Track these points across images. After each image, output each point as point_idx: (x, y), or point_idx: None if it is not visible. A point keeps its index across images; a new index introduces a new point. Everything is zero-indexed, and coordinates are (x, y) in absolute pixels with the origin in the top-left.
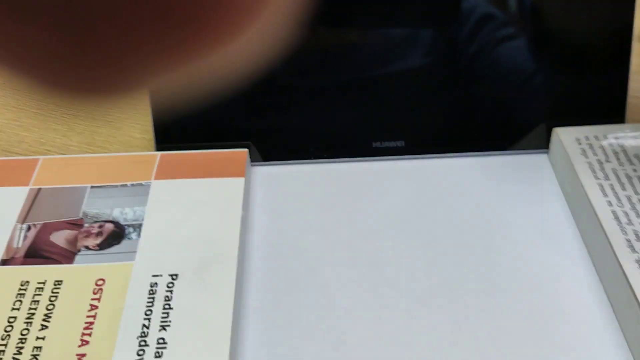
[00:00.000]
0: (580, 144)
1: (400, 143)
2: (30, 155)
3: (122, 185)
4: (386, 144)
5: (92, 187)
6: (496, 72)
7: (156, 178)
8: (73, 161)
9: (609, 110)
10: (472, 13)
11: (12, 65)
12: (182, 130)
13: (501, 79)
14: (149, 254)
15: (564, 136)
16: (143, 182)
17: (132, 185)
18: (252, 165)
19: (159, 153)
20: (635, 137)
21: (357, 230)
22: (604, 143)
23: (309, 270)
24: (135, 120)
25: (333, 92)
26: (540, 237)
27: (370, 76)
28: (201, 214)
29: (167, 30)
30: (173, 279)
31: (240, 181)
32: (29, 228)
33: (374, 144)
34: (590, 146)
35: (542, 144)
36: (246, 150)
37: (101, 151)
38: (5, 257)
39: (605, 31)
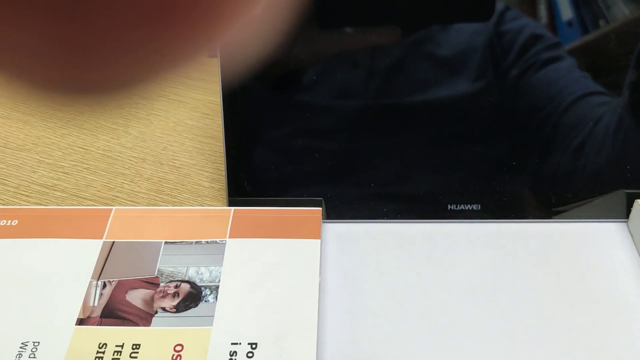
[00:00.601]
0: None
1: (476, 206)
2: (98, 201)
3: (197, 242)
4: (462, 206)
5: (166, 242)
6: (561, 95)
7: (231, 236)
8: (145, 213)
9: None
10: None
11: (6, 69)
12: (255, 184)
13: (565, 100)
14: (227, 320)
15: None
16: (218, 240)
17: (207, 242)
18: (324, 222)
19: (232, 209)
20: None
21: (432, 298)
22: None
23: (385, 340)
24: (203, 167)
25: (408, 152)
26: (620, 311)
27: (448, 137)
28: (278, 278)
29: (162, 30)
30: (253, 347)
31: (316, 243)
32: (104, 285)
33: (449, 206)
34: None
35: (621, 213)
36: (320, 209)
37: (169, 199)
38: (81, 316)
39: None
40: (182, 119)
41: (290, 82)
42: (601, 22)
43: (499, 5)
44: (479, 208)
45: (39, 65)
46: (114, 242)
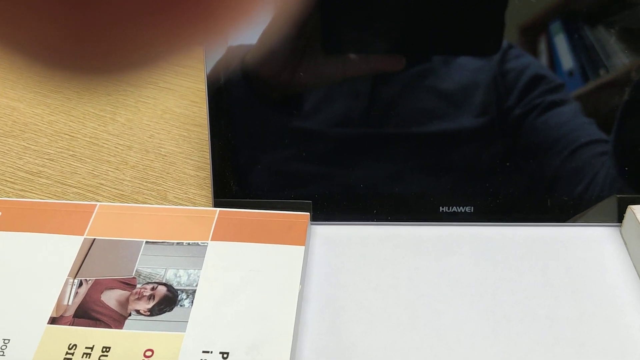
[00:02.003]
0: None
1: (469, 209)
2: (83, 189)
3: (178, 244)
4: (454, 209)
5: (147, 242)
6: (567, 138)
7: (213, 239)
8: (129, 211)
9: None
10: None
11: (8, 41)
12: (242, 184)
13: (573, 147)
14: (200, 326)
15: None
16: (200, 242)
17: (189, 244)
18: (312, 224)
19: (217, 210)
20: None
21: (423, 308)
22: None
23: (370, 355)
24: (189, 155)
25: (399, 153)
26: (608, 310)
27: (441, 137)
28: (257, 285)
29: (167, 14)
30: (224, 357)
31: (300, 250)
32: (80, 284)
33: (441, 208)
34: None
35: (613, 217)
36: (308, 214)
37: (154, 187)
38: (54, 315)
39: None
40: (170, 107)
41: (288, 101)
42: (601, 71)
43: (503, 44)
44: (472, 210)
45: (44, 43)
46: (94, 239)
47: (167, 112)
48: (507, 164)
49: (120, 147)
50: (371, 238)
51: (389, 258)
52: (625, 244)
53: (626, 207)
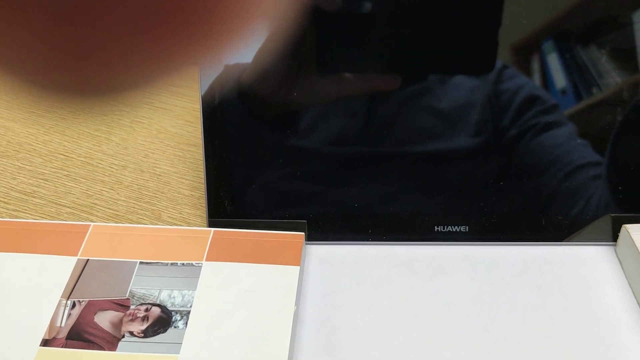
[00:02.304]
0: None
1: (464, 228)
2: (77, 209)
3: (172, 264)
4: (449, 228)
5: (141, 262)
6: (562, 160)
7: (208, 259)
8: (123, 231)
9: None
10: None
11: (17, 73)
12: (236, 203)
13: (568, 169)
14: (194, 348)
15: (635, 234)
16: (194, 262)
17: (183, 264)
18: (307, 244)
19: (212, 230)
20: None
21: (419, 328)
22: None
23: None
24: (183, 174)
25: (394, 173)
26: (604, 330)
27: (436, 157)
28: (252, 306)
29: (159, 38)
30: None
31: (295, 270)
32: (73, 305)
33: (436, 228)
34: None
35: (608, 236)
36: (302, 234)
37: (148, 207)
38: (47, 337)
39: None
40: (165, 127)
41: (284, 119)
42: (594, 90)
43: (497, 64)
44: (467, 230)
45: (38, 64)
46: (88, 259)
47: (162, 132)
48: (502, 183)
49: (115, 167)
50: (366, 258)
51: (384, 278)
52: (620, 263)
53: (620, 227)
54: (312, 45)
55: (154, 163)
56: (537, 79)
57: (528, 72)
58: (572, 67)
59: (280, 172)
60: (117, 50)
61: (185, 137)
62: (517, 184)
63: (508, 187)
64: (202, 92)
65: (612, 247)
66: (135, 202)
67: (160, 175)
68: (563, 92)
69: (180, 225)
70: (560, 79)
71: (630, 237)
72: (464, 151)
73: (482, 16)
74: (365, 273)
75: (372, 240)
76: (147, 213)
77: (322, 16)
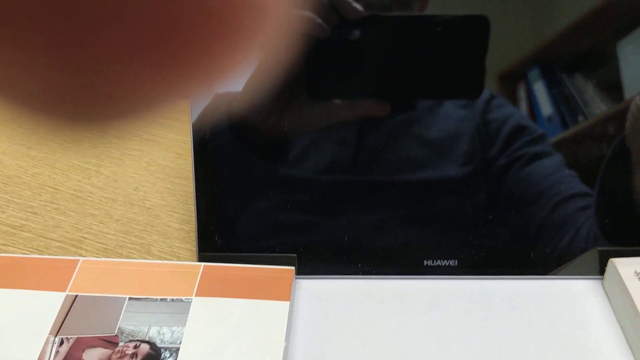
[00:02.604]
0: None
1: (452, 262)
2: (66, 243)
3: (162, 300)
4: (438, 262)
5: (130, 298)
6: (550, 191)
7: (197, 294)
8: (112, 266)
9: None
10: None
11: (12, 96)
12: (226, 238)
13: (556, 200)
14: None
15: (622, 268)
16: (184, 298)
17: (172, 300)
18: (297, 278)
19: (202, 265)
20: None
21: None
22: None
23: None
24: (173, 208)
25: (384, 203)
26: None
27: (426, 186)
28: (242, 342)
29: (156, 64)
30: None
31: (285, 305)
32: (61, 342)
33: (425, 262)
34: None
35: (596, 270)
36: (293, 268)
37: (137, 241)
38: None
39: None
40: (155, 159)
41: (275, 148)
42: (580, 119)
43: (485, 94)
44: (456, 264)
45: (36, 87)
46: (77, 295)
47: (152, 165)
48: (490, 216)
49: (105, 200)
50: (356, 292)
51: (374, 313)
52: (608, 297)
53: (607, 260)
54: (302, 73)
55: (144, 196)
56: (523, 107)
57: (515, 99)
58: (558, 95)
59: (270, 205)
60: (111, 77)
61: (175, 170)
62: (505, 215)
63: (497, 219)
64: (193, 124)
65: (600, 281)
66: (124, 235)
67: (150, 208)
68: (549, 119)
69: (170, 259)
70: (546, 107)
71: (617, 271)
72: (453, 181)
73: (469, 42)
74: (355, 308)
75: (362, 274)
76: (136, 247)
77: (313, 43)
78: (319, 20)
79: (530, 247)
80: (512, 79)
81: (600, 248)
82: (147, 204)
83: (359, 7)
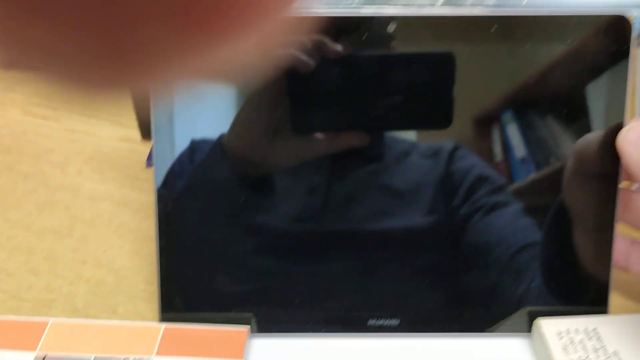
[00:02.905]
0: (561, 338)
1: (394, 321)
2: (37, 304)
3: (125, 359)
4: (381, 321)
5: (95, 357)
6: (486, 252)
7: (158, 354)
8: (80, 326)
9: (592, 299)
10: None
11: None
12: (186, 299)
13: (491, 258)
14: None
15: (546, 328)
16: (145, 357)
17: (134, 359)
18: (252, 337)
19: (163, 325)
20: (614, 333)
21: None
22: (584, 338)
23: None
24: (140, 269)
25: (333, 270)
26: None
27: (370, 255)
28: None
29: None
30: None
31: None
32: None
33: (369, 322)
34: (572, 341)
35: (524, 328)
36: (247, 328)
37: (104, 301)
38: None
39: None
40: (125, 222)
41: (262, 182)
42: (552, 160)
43: (449, 145)
44: (397, 323)
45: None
46: (46, 355)
47: (122, 227)
48: (427, 281)
49: (76, 262)
50: (307, 350)
51: None
52: (535, 354)
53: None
54: (287, 109)
55: (112, 258)
56: (497, 148)
57: (489, 141)
58: (532, 137)
59: (226, 268)
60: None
61: (144, 232)
62: (464, 267)
63: (442, 279)
64: (157, 188)
65: (528, 338)
66: (93, 296)
67: (117, 269)
68: (522, 161)
69: (136, 319)
70: (519, 149)
71: (541, 332)
72: (418, 230)
73: (438, 76)
74: None
75: (313, 332)
76: (103, 307)
77: (297, 81)
78: (303, 57)
79: (465, 304)
80: (486, 122)
81: (530, 308)
82: (115, 266)
83: (338, 47)
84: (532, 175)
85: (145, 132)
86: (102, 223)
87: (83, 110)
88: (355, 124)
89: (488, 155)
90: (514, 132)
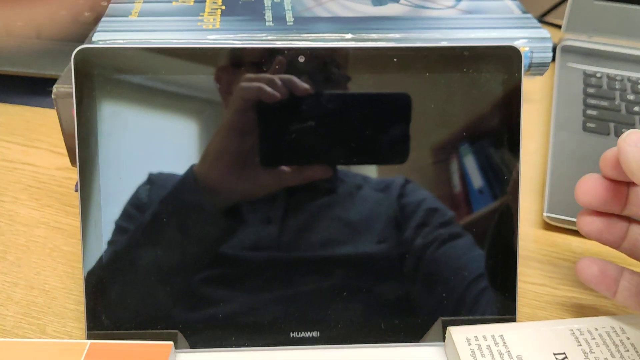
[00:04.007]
0: (470, 344)
1: (315, 333)
2: None
3: None
4: (302, 334)
5: None
6: (443, 281)
7: None
8: (6, 346)
9: (502, 307)
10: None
11: None
12: (112, 318)
13: (414, 275)
14: None
15: (456, 336)
16: None
17: None
18: (177, 352)
19: (89, 342)
20: (518, 338)
21: None
22: (491, 344)
23: None
24: (70, 290)
25: (259, 283)
26: None
27: (298, 266)
28: None
29: None
30: None
31: None
32: None
33: (291, 334)
34: (479, 347)
35: (439, 337)
36: (170, 343)
37: (34, 322)
38: None
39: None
40: (59, 245)
41: (232, 210)
42: (508, 189)
43: (400, 180)
44: (318, 335)
45: None
46: None
47: (55, 250)
48: (344, 293)
49: (7, 284)
50: None
51: None
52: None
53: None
54: (255, 143)
55: (45, 280)
56: (456, 179)
57: (448, 172)
58: (488, 168)
59: (150, 287)
60: None
61: (76, 255)
62: (373, 288)
63: (361, 292)
64: (81, 210)
65: (442, 346)
66: (22, 317)
67: (49, 291)
68: (480, 191)
69: (64, 338)
70: (477, 180)
71: (452, 339)
72: (368, 257)
73: (395, 115)
74: None
75: (236, 346)
76: (33, 327)
77: (264, 117)
78: (269, 89)
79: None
80: (445, 153)
81: (443, 318)
82: (46, 287)
83: (306, 85)
84: (488, 207)
85: (74, 158)
86: (36, 247)
87: (24, 141)
88: (318, 158)
89: (446, 187)
90: (470, 164)
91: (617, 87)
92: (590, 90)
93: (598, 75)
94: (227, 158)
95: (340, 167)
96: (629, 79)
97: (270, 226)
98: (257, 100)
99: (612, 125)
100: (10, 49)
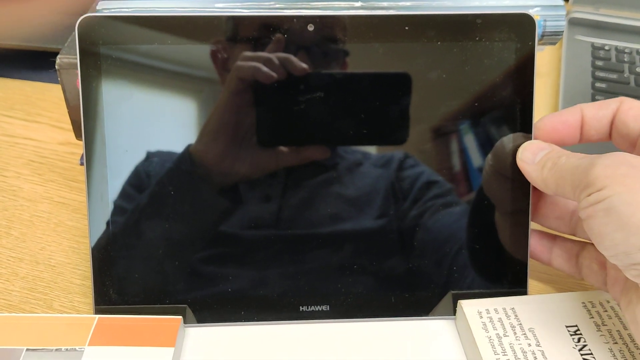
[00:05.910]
0: (481, 317)
1: (325, 307)
2: None
3: (57, 350)
4: (312, 307)
5: (27, 349)
6: (434, 249)
7: (90, 344)
8: (14, 320)
9: (512, 280)
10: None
11: None
12: (120, 292)
13: (420, 248)
14: None
15: (467, 309)
16: (77, 347)
17: (67, 350)
18: (186, 327)
19: (97, 317)
20: (530, 311)
21: None
22: (503, 317)
23: None
24: (76, 265)
25: (264, 260)
26: None
27: (299, 244)
28: None
29: None
30: None
31: (169, 351)
32: None
33: (301, 308)
34: (491, 319)
35: (449, 311)
36: (180, 318)
37: (41, 297)
38: None
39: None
40: (63, 220)
41: (230, 191)
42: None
43: (400, 154)
44: (328, 309)
45: None
46: None
47: (60, 225)
48: (355, 266)
49: (12, 260)
50: (239, 337)
51: (257, 357)
52: (459, 334)
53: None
54: (252, 123)
55: (50, 255)
56: (456, 159)
57: (448, 151)
58: (488, 147)
59: (158, 261)
60: None
61: (81, 230)
62: (415, 260)
63: (371, 266)
64: (87, 179)
65: (453, 320)
66: (29, 292)
67: (54, 266)
68: (480, 170)
69: (70, 312)
70: (477, 158)
71: (463, 312)
72: (368, 232)
73: (395, 95)
74: (236, 351)
75: (245, 321)
76: (39, 302)
77: (261, 97)
78: (265, 69)
79: (401, 291)
80: (445, 133)
81: (453, 292)
82: (52, 262)
83: (304, 65)
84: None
85: (78, 131)
86: (40, 222)
87: (24, 116)
88: (316, 138)
89: (447, 166)
90: (470, 143)
91: (625, 59)
92: (599, 63)
93: (606, 47)
94: (223, 138)
95: (340, 146)
96: (638, 51)
97: (270, 204)
98: (253, 80)
99: None
100: (9, 23)
